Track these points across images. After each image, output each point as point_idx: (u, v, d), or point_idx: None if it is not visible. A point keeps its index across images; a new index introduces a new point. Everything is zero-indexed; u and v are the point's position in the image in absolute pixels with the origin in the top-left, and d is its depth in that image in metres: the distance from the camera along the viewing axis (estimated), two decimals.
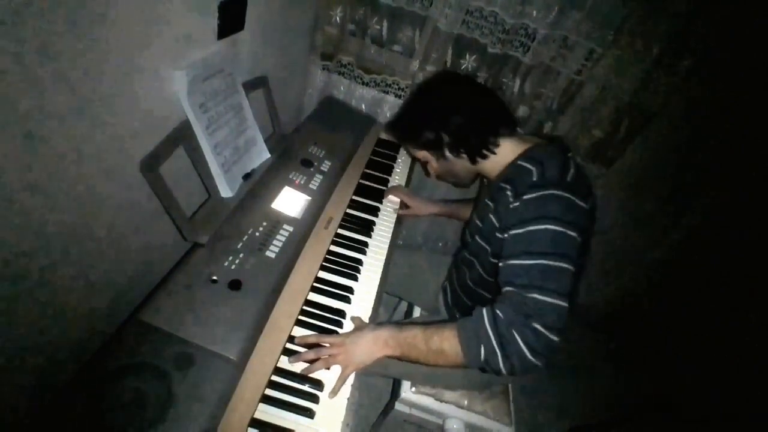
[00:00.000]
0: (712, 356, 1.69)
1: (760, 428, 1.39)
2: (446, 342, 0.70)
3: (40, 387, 0.73)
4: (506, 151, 0.83)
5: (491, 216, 0.81)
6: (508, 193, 0.75)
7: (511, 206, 0.74)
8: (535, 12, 1.18)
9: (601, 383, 1.84)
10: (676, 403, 1.70)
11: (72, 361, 0.77)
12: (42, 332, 0.69)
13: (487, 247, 0.85)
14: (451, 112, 0.84)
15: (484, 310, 0.69)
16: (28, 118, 0.51)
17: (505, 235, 0.73)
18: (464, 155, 0.86)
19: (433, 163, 0.95)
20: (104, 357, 0.60)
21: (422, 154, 0.94)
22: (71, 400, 0.57)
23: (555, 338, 0.63)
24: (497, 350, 0.65)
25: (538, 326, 0.63)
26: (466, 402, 1.02)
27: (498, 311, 0.67)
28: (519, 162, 0.78)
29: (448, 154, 0.88)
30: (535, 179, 0.72)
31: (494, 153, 0.84)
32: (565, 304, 0.65)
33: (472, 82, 0.93)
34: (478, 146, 0.84)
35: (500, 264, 0.72)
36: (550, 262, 0.66)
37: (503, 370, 0.65)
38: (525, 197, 0.71)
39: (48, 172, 0.57)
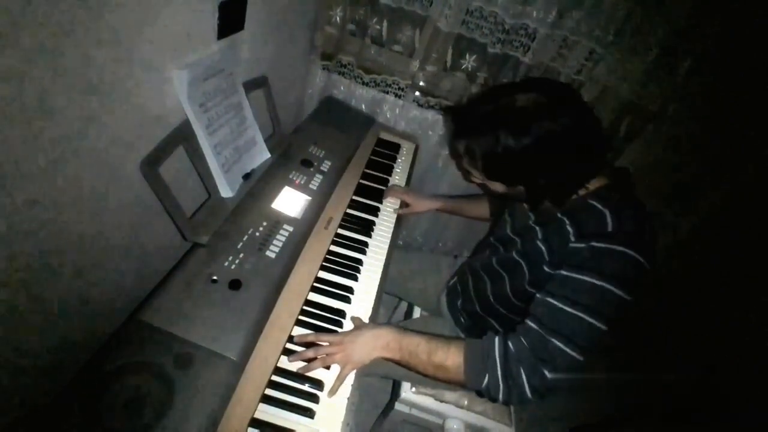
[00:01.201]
0: (712, 356, 1.68)
1: (760, 428, 1.39)
2: (450, 359, 0.70)
3: (40, 387, 0.73)
4: None
5: (539, 244, 0.76)
6: (569, 228, 0.71)
7: (571, 245, 0.69)
8: (535, 12, 1.18)
9: (601, 383, 1.84)
10: (676, 404, 1.70)
11: (72, 361, 0.77)
12: (42, 332, 0.69)
13: (527, 273, 0.79)
14: (569, 158, 0.68)
15: (497, 340, 0.69)
16: (27, 118, 0.51)
17: (556, 271, 0.70)
18: (548, 196, 0.75)
19: (498, 190, 0.78)
20: (104, 357, 0.60)
21: (482, 177, 0.77)
22: (71, 400, 0.57)
23: (557, 380, 0.64)
24: (500, 381, 0.66)
25: (546, 371, 0.64)
26: (466, 402, 1.02)
27: (510, 344, 0.67)
28: (590, 201, 0.71)
29: (529, 192, 0.75)
30: (610, 230, 0.66)
31: (578, 195, 0.73)
32: (581, 358, 0.65)
33: (588, 113, 0.69)
34: (571, 193, 0.73)
35: (537, 295, 0.70)
36: (590, 319, 0.64)
37: (500, 400, 0.67)
38: (594, 244, 0.66)
39: (47, 172, 0.57)
